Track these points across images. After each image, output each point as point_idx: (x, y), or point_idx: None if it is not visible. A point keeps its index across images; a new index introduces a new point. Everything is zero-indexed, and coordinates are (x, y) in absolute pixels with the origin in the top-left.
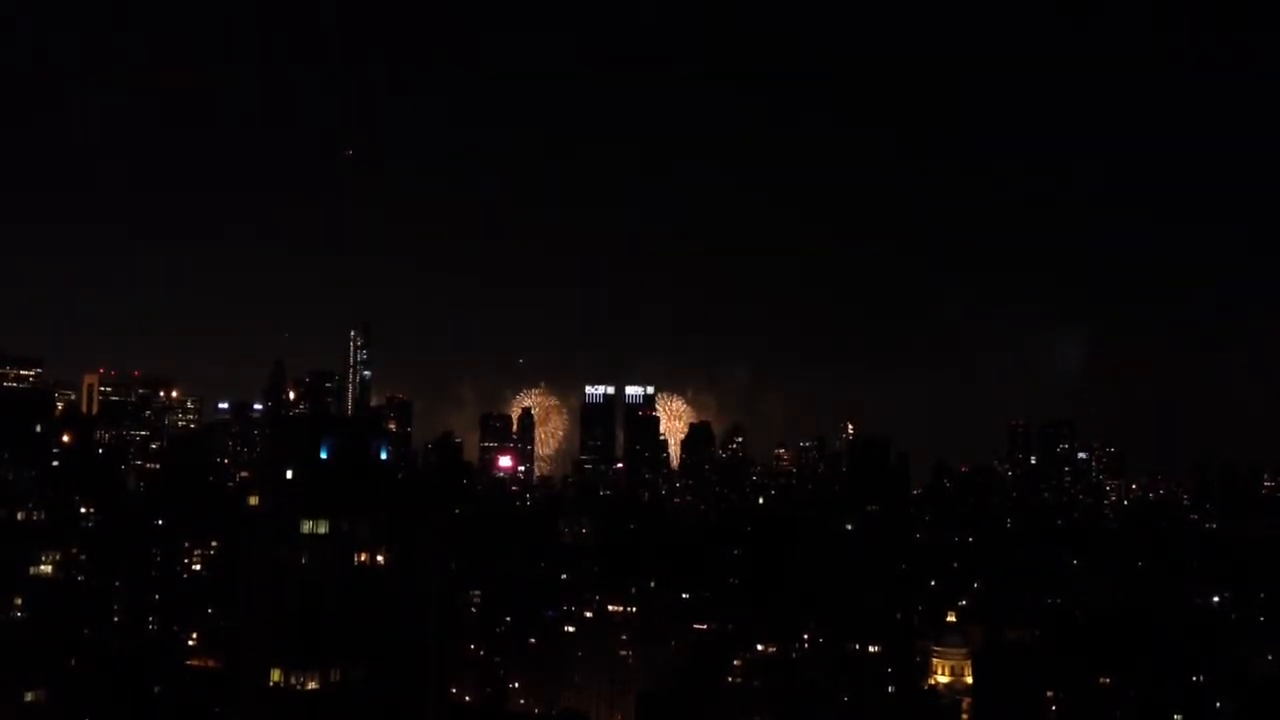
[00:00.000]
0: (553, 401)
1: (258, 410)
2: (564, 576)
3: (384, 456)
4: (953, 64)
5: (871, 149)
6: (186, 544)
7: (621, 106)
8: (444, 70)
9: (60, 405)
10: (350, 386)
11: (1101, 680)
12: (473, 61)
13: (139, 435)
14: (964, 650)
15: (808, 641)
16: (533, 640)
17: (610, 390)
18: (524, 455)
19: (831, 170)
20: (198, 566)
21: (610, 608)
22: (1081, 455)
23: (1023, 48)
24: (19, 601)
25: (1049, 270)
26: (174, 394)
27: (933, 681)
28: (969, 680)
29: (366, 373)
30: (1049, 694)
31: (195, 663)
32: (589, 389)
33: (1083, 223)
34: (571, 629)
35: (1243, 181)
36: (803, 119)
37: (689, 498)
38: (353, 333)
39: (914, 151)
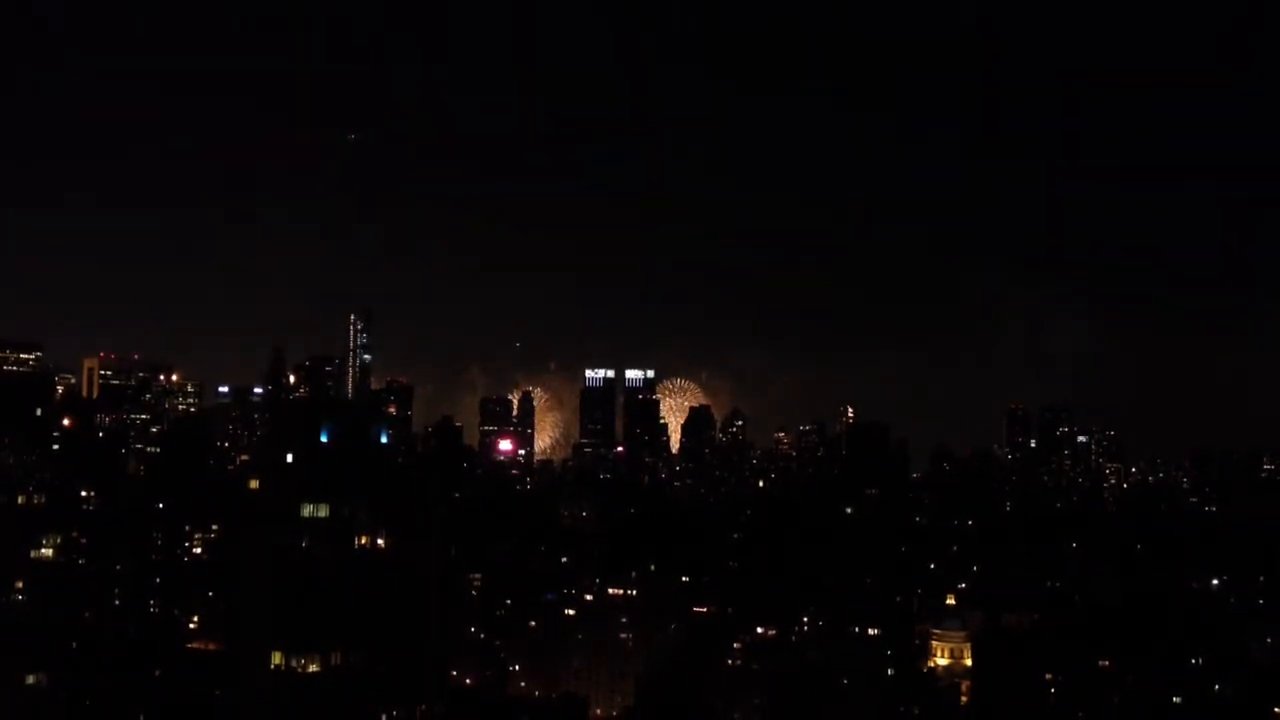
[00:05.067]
0: (560, 386)
1: (258, 394)
2: (564, 560)
3: (384, 440)
4: (956, 45)
5: (875, 131)
6: (187, 527)
7: (622, 86)
8: (444, 51)
9: (60, 389)
10: (350, 371)
11: (1100, 664)
12: (474, 39)
13: (139, 419)
14: (963, 634)
15: (807, 625)
16: (532, 624)
17: (610, 374)
18: (524, 439)
19: (833, 153)
20: (198, 550)
21: (610, 591)
22: (1081, 439)
23: (1034, 30)
24: (20, 585)
25: (1051, 255)
26: (174, 378)
27: (932, 664)
28: (968, 663)
29: (366, 357)
30: (1047, 677)
31: (196, 646)
32: (589, 372)
33: (1087, 209)
34: (571, 612)
35: (1242, 177)
36: (807, 105)
37: (689, 482)
38: (353, 316)
39: (917, 134)
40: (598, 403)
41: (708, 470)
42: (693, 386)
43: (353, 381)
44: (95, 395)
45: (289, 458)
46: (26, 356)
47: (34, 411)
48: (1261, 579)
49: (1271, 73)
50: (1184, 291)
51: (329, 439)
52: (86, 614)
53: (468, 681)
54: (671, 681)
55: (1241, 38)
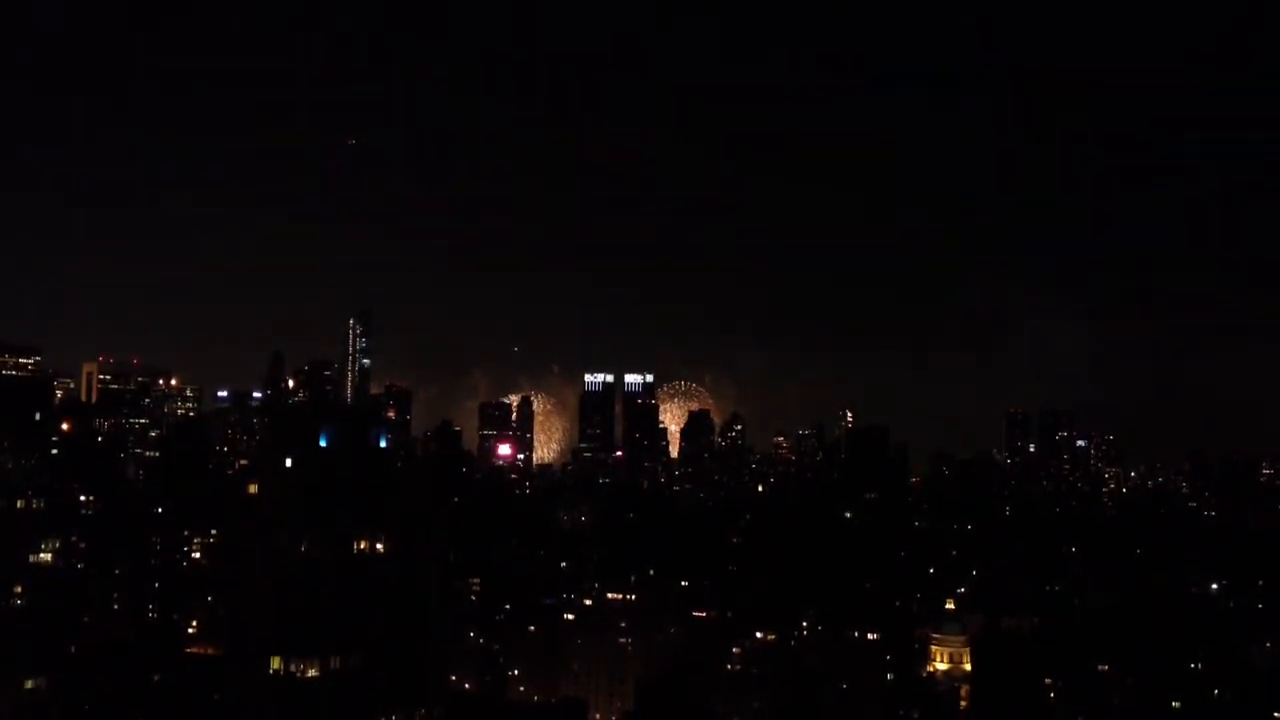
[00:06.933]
0: (563, 389)
1: (257, 398)
2: (563, 565)
3: (383, 444)
4: (956, 46)
5: (876, 132)
6: (186, 532)
7: (622, 87)
8: (444, 52)
9: (59, 394)
10: (350, 374)
11: (1100, 668)
12: (474, 40)
13: (138, 423)
14: (962, 638)
15: (806, 629)
16: (532, 628)
17: (609, 378)
18: (523, 443)
19: (834, 154)
20: (197, 554)
21: (609, 596)
22: (1080, 443)
23: (1035, 30)
24: (19, 589)
25: (1052, 259)
26: (173, 382)
27: (931, 669)
28: (967, 668)
29: (366, 361)
30: (1047, 681)
31: (195, 650)
32: (588, 377)
33: (1090, 212)
34: (570, 617)
35: (1238, 174)
36: (809, 106)
37: (688, 486)
38: (352, 321)
39: (918, 136)
40: (597, 407)
41: (707, 474)
42: (699, 390)
43: (352, 385)
44: (94, 399)
45: (288, 462)
46: (25, 361)
47: (33, 416)
48: (1260, 583)
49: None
50: (1184, 292)
51: (328, 443)
52: (85, 618)
53: (467, 686)
54: (671, 685)
55: (1241, 37)
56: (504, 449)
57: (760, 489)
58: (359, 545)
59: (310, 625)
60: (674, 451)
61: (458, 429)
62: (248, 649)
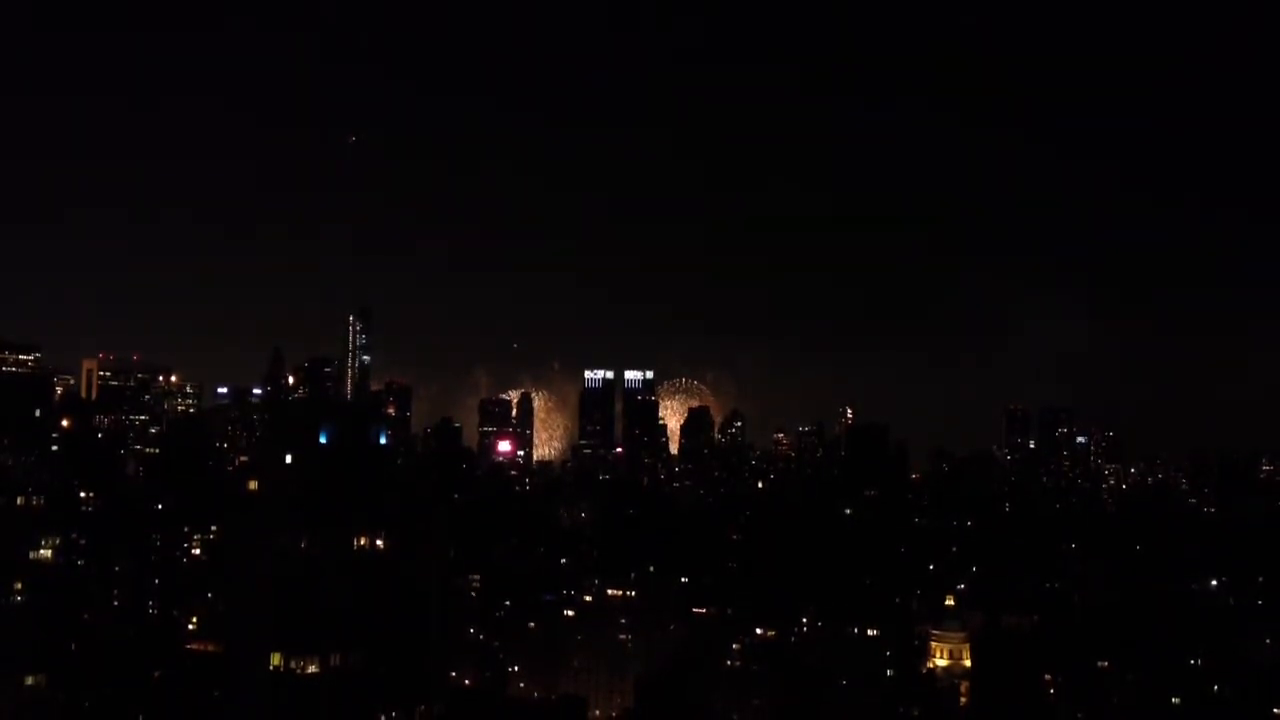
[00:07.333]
0: (565, 387)
1: (257, 395)
2: (563, 561)
3: (383, 441)
4: (955, 45)
5: (875, 130)
6: (186, 529)
7: (621, 85)
8: (445, 51)
9: (59, 390)
10: (350, 371)
11: (1099, 664)
12: (475, 38)
13: (138, 420)
14: (962, 634)
15: (806, 626)
16: (532, 625)
17: (609, 375)
18: (523, 440)
19: (833, 152)
20: (197, 551)
21: (609, 592)
22: (1080, 440)
23: (1035, 27)
24: (19, 586)
25: (1052, 256)
26: (173, 379)
27: (931, 665)
28: (967, 664)
29: (366, 358)
30: (1047, 678)
31: (195, 647)
32: (588, 374)
33: (1088, 209)
34: (570, 613)
35: (1238, 175)
36: (807, 105)
37: (688, 483)
38: (352, 317)
39: (918, 134)
40: (597, 404)
41: (707, 471)
42: (700, 387)
43: (352, 382)
44: (94, 396)
45: (288, 459)
46: (25, 358)
47: (33, 413)
48: (1260, 580)
49: (1273, 72)
50: (1184, 291)
51: (328, 440)
52: (85, 615)
53: (467, 682)
54: (671, 682)
55: (1243, 38)
56: (504, 446)
57: (760, 486)
58: (359, 542)
59: (310, 622)
60: (674, 448)
61: (458, 426)
62: (248, 646)
